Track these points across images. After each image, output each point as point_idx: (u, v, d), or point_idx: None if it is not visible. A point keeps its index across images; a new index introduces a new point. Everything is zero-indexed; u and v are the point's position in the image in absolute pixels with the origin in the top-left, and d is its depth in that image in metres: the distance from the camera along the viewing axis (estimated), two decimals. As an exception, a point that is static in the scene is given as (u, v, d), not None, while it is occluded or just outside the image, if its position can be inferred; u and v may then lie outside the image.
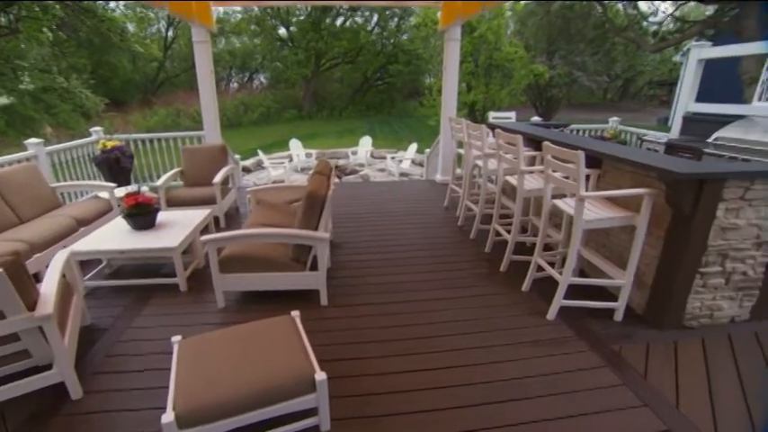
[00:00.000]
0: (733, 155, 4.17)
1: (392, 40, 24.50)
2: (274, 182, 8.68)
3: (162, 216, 3.63)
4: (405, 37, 23.31)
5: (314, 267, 2.98)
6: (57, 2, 12.52)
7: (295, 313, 2.25)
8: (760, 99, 4.59)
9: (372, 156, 11.57)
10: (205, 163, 4.87)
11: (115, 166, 5.36)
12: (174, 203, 4.41)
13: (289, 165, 9.61)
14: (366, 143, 11.32)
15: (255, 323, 2.12)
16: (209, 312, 2.92)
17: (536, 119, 6.36)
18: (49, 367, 2.10)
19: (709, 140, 4.59)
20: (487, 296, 3.12)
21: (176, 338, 2.02)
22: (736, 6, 8.92)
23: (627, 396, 2.17)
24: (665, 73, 23.84)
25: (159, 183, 4.42)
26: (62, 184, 4.47)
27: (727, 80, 8.20)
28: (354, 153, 11.37)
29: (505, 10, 14.11)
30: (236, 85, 26.38)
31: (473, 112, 14.62)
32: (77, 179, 5.24)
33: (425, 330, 2.71)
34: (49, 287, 2.17)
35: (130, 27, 18.98)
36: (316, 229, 2.95)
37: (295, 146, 10.87)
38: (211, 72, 5.52)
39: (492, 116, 5.91)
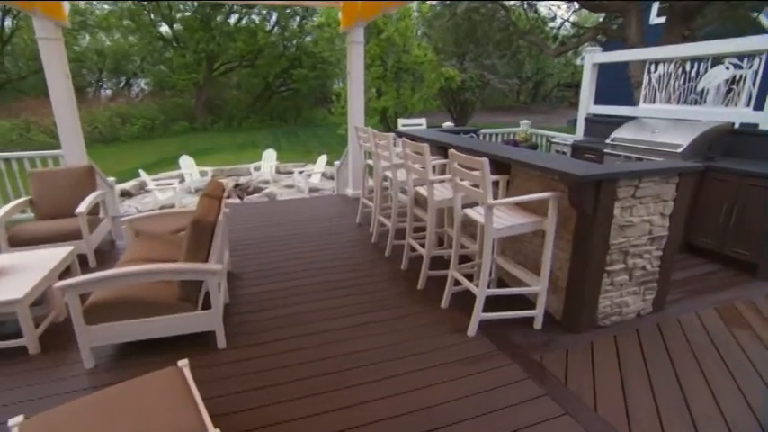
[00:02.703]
0: (628, 154, 4.79)
1: (295, 42, 24.49)
2: (162, 207, 8.11)
3: (2, 260, 3.18)
4: (308, 38, 23.44)
5: (207, 305, 2.81)
6: None
7: (183, 362, 2.09)
8: (644, 101, 5.38)
9: (278, 171, 11.41)
10: (64, 189, 4.38)
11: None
12: (20, 242, 3.88)
13: (179, 186, 9.06)
14: (270, 157, 11.15)
15: (131, 382, 1.93)
16: (72, 377, 2.59)
17: (448, 124, 6.73)
18: None
19: (608, 141, 5.22)
20: (405, 318, 3.19)
21: (15, 420, 1.73)
22: (620, 16, 10.40)
23: (549, 406, 2.33)
24: (569, 76, 26.91)
25: (-3, 218, 3.86)
26: None
27: (620, 83, 9.49)
28: (257, 169, 11.13)
29: (412, 11, 14.89)
30: (108, 91, 24.32)
31: (385, 118, 15.08)
32: None
33: (339, 363, 2.68)
34: None
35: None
36: (206, 260, 2.80)
37: (186, 163, 10.31)
38: (67, 76, 4.99)
39: (401, 123, 6.15)
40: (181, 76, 21.51)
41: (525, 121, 7.36)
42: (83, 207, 4.04)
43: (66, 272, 3.29)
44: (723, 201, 4.01)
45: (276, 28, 24.28)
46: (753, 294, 3.58)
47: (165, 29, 22.38)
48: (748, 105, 4.46)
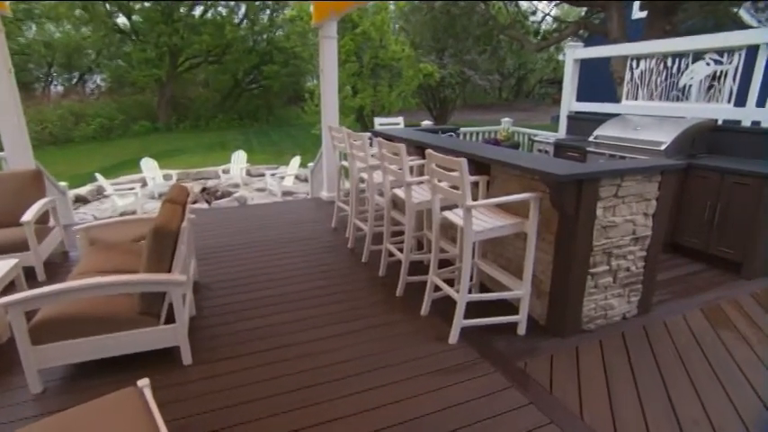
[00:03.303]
0: (611, 152, 4.91)
1: (265, 36, 24.36)
2: (122, 214, 7.94)
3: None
4: (279, 32, 23.32)
5: (171, 319, 2.75)
6: None
7: (143, 382, 2.02)
8: (627, 98, 5.53)
9: (249, 173, 11.40)
10: (7, 196, 4.22)
11: None
12: (-41, 255, 3.73)
13: (141, 191, 8.91)
14: (240, 159, 11.14)
15: (83, 407, 1.86)
16: (17, 404, 2.48)
17: (427, 123, 6.79)
18: None
19: (590, 139, 5.34)
20: (384, 326, 3.19)
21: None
22: (602, 10, 10.69)
23: (534, 415, 2.36)
24: (552, 71, 27.47)
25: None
26: None
27: (603, 79, 9.73)
28: (226, 171, 11.11)
29: (387, 5, 14.98)
30: (60, 88, 23.63)
31: (362, 117, 15.10)
32: None
33: (314, 377, 2.66)
34: None
35: None
36: (169, 270, 2.74)
37: (149, 166, 10.21)
38: (9, 71, 4.81)
39: (378, 123, 6.18)
40: (141, 71, 21.06)
41: (506, 119, 7.47)
42: (29, 215, 3.90)
43: (9, 287, 3.17)
44: (707, 199, 4.13)
45: (245, 21, 24.07)
46: (737, 293, 3.71)
47: (122, 20, 21.87)
48: (729, 101, 4.62)
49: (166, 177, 10.19)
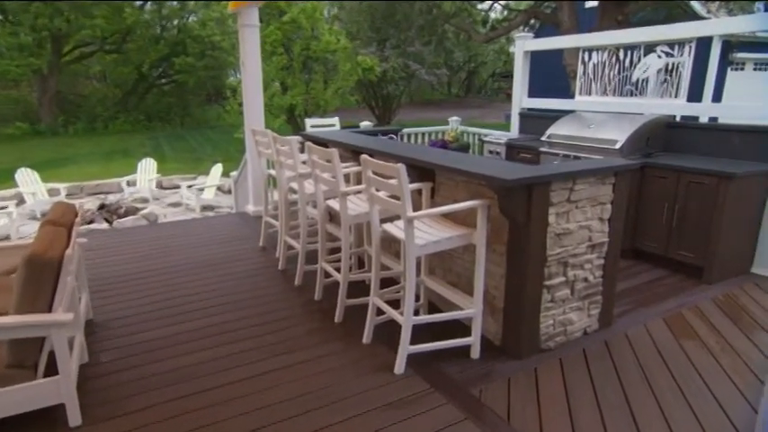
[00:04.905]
0: (566, 152, 5.16)
1: (176, 22, 23.79)
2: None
3: None
4: (193, 18, 22.85)
5: (54, 370, 2.57)
6: None
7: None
8: (580, 93, 5.85)
9: (160, 186, 11.27)
10: None
11: None
12: None
13: (18, 210, 8.45)
14: (149, 168, 10.93)
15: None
16: None
17: (366, 124, 6.85)
18: None
19: (543, 138, 5.60)
20: (321, 359, 3.16)
21: None
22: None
23: (490, 449, 2.41)
24: (503, 65, 28.66)
25: None
26: None
27: (557, 73, 10.28)
28: (132, 184, 10.84)
29: (319, -10, 15.09)
30: None
31: (293, 117, 15.02)
32: None
33: (239, 425, 2.57)
34: None
35: None
36: (48, 309, 2.56)
37: (27, 179, 9.76)
38: None
39: (310, 124, 6.18)
40: (13, 60, 19.82)
41: (454, 118, 7.68)
42: None
43: None
44: (664, 200, 4.43)
45: (149, 3, 23.34)
46: (699, 300, 3.99)
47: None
48: (683, 96, 4.98)
49: (52, 192, 9.81)
